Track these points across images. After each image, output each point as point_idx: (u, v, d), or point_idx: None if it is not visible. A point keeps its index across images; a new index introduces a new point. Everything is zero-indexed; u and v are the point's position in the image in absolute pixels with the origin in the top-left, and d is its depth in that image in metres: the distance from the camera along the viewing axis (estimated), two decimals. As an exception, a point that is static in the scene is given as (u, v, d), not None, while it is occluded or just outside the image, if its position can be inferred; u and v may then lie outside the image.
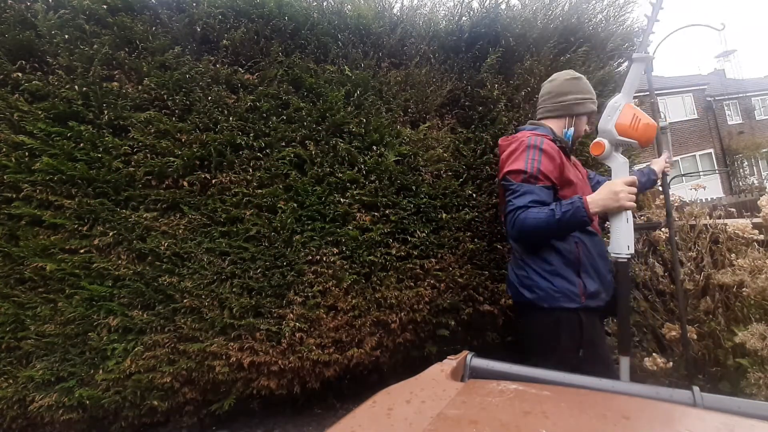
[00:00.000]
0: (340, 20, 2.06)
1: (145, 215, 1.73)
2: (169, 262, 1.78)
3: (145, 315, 1.75)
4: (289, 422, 2.25)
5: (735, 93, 19.18)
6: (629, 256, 1.45)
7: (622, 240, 1.43)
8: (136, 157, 1.72)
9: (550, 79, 1.62)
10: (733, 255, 1.90)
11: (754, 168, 18.29)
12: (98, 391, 1.73)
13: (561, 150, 1.48)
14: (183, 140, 1.78)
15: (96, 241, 1.68)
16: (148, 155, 1.74)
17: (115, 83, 1.70)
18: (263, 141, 1.88)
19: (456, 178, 2.24)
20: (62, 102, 1.62)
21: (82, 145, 1.65)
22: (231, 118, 1.84)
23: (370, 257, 2.02)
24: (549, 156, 1.41)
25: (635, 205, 1.37)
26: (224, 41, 1.85)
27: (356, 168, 2.01)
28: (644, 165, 1.89)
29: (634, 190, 1.36)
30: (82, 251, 1.68)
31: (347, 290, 2.01)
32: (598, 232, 1.57)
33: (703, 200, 7.11)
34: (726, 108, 19.08)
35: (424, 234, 2.13)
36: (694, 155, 17.79)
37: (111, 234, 1.69)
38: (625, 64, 3.02)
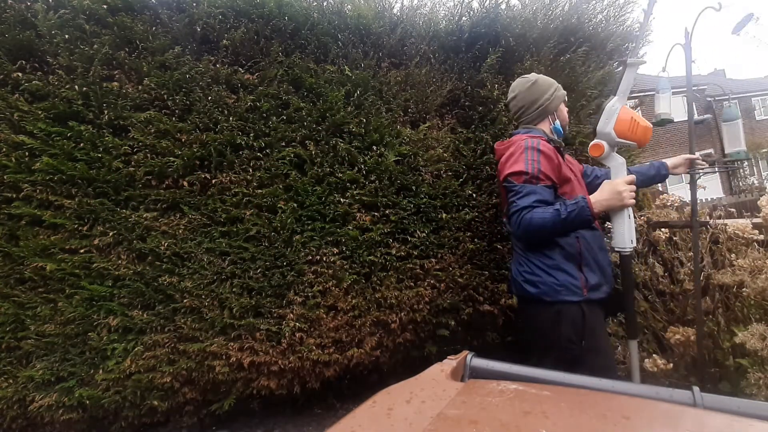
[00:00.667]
0: (340, 20, 2.06)
1: (145, 215, 1.73)
2: (169, 262, 1.78)
3: (145, 315, 1.75)
4: (289, 422, 2.25)
5: (735, 93, 19.15)
6: (632, 249, 1.53)
7: (626, 235, 1.50)
8: (136, 157, 1.72)
9: (512, 95, 1.66)
10: (733, 255, 1.90)
11: (754, 168, 18.29)
12: (98, 391, 1.73)
13: (556, 149, 1.52)
14: (183, 140, 1.78)
15: (96, 241, 1.68)
16: (148, 155, 1.73)
17: (115, 83, 1.70)
18: (263, 141, 1.88)
19: (456, 178, 2.24)
20: (62, 102, 1.62)
21: (82, 145, 1.65)
22: (231, 118, 1.84)
23: (370, 257, 2.02)
24: (547, 156, 1.44)
25: (635, 202, 1.43)
26: (224, 41, 1.85)
27: (356, 168, 2.01)
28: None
29: (634, 188, 1.44)
30: (82, 251, 1.68)
31: (347, 290, 2.01)
32: (597, 227, 1.61)
33: (703, 200, 7.11)
34: (726, 108, 19.02)
35: (424, 234, 2.13)
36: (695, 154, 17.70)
37: (111, 234, 1.69)
38: (625, 64, 3.01)
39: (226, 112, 1.84)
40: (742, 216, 2.41)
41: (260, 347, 1.89)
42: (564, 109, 1.70)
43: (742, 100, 19.22)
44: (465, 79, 2.31)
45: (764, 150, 17.83)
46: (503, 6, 2.33)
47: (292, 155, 1.92)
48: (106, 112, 1.67)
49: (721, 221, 2.08)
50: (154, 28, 1.75)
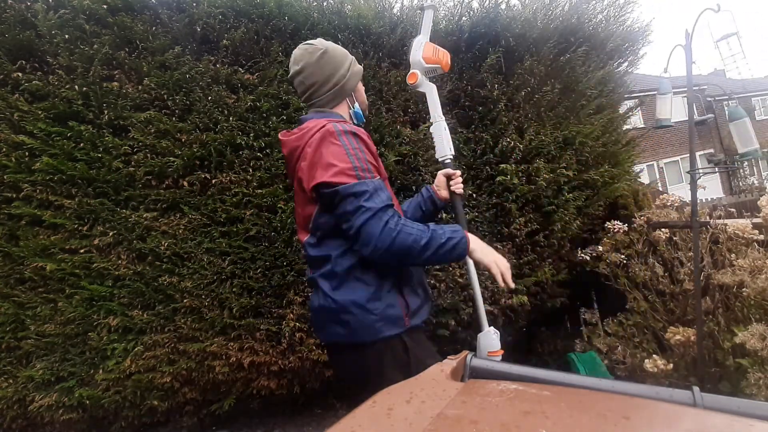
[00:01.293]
0: (340, 20, 2.06)
1: (145, 215, 1.73)
2: (169, 262, 1.78)
3: (145, 315, 1.75)
4: (289, 422, 2.25)
5: (735, 93, 19.18)
6: (452, 157, 1.53)
7: (444, 143, 1.53)
8: (136, 157, 1.72)
9: (296, 68, 1.23)
10: (733, 255, 1.90)
11: (754, 168, 18.28)
12: (98, 391, 1.73)
13: None
14: (183, 140, 1.78)
15: (96, 241, 1.68)
16: (148, 155, 1.73)
17: (115, 83, 1.70)
18: (263, 141, 1.88)
19: (456, 178, 2.24)
20: (62, 102, 1.62)
21: (82, 145, 1.65)
22: (231, 118, 1.84)
23: (370, 257, 2.02)
24: (365, 143, 1.12)
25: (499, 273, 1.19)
26: (224, 41, 1.85)
27: (356, 168, 2.01)
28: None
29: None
30: (82, 251, 1.68)
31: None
32: None
33: (704, 200, 7.11)
34: (726, 108, 19.08)
35: (424, 234, 2.13)
36: (695, 155, 17.75)
37: (111, 234, 1.69)
38: (625, 64, 3.02)
39: (226, 112, 1.84)
40: (742, 216, 2.40)
41: (260, 347, 1.89)
42: (362, 89, 1.35)
43: (742, 100, 19.22)
44: (465, 79, 2.31)
45: (764, 150, 17.83)
46: (503, 6, 2.33)
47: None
48: (106, 112, 1.67)
49: (721, 221, 2.08)
50: (154, 28, 1.75)
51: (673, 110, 2.01)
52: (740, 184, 16.96)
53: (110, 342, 1.72)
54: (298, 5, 1.97)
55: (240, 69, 1.90)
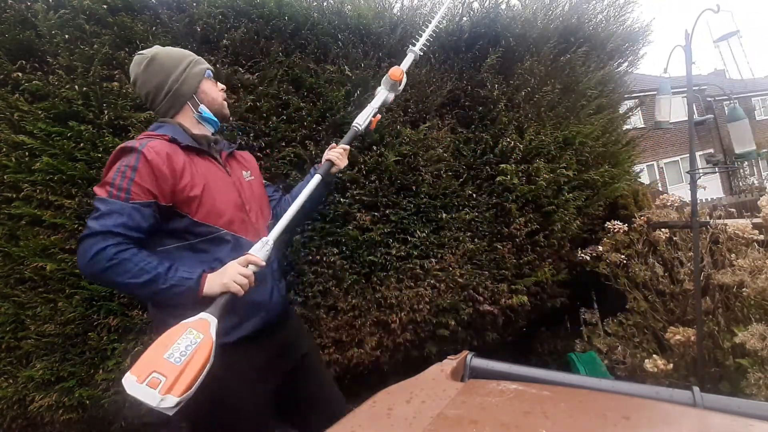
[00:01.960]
0: (340, 20, 2.06)
1: (145, 215, 1.73)
2: (169, 262, 1.77)
3: (145, 315, 1.75)
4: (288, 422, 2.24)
5: (735, 93, 19.18)
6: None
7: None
8: (136, 157, 1.72)
9: (132, 80, 1.26)
10: (733, 255, 1.90)
11: (754, 168, 18.28)
12: (98, 391, 1.72)
13: (193, 150, 1.18)
14: (183, 140, 1.78)
15: (96, 241, 1.68)
16: (148, 155, 1.73)
17: (116, 83, 1.70)
18: (263, 141, 1.88)
19: (456, 178, 2.24)
20: (62, 102, 1.62)
21: (82, 145, 1.64)
22: (231, 118, 1.84)
23: (370, 257, 2.02)
24: (146, 160, 1.06)
25: (242, 290, 1.07)
26: (224, 41, 1.85)
27: (356, 168, 2.01)
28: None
29: (250, 272, 1.09)
30: (82, 251, 1.68)
31: (347, 290, 2.01)
32: (255, 239, 1.18)
33: (704, 200, 7.11)
34: (726, 108, 19.08)
35: (424, 234, 2.13)
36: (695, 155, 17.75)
37: (111, 234, 1.69)
38: (625, 64, 3.02)
39: (226, 112, 1.84)
40: (742, 216, 2.41)
41: (260, 347, 1.88)
42: (210, 89, 1.30)
43: (742, 100, 19.22)
44: (465, 79, 2.31)
45: (764, 150, 17.83)
46: (503, 6, 2.33)
47: (292, 155, 1.92)
48: (106, 112, 1.67)
49: (721, 221, 2.08)
50: (154, 28, 1.75)
51: (673, 110, 2.01)
52: (740, 184, 16.95)
53: (110, 342, 1.72)
54: (298, 5, 1.97)
55: (240, 69, 1.90)
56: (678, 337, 1.89)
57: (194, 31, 1.83)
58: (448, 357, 0.86)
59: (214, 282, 1.07)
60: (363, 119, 1.52)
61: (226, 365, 1.02)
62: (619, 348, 2.21)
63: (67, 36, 1.62)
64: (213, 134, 1.32)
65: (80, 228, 1.67)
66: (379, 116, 1.57)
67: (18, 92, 1.60)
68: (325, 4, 2.09)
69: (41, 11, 1.58)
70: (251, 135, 1.87)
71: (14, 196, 1.61)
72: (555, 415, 0.60)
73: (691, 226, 1.85)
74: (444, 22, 2.33)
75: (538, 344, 2.97)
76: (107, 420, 1.86)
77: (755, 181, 16.93)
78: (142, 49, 1.66)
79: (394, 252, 2.07)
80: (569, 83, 2.52)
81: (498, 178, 2.26)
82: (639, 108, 3.39)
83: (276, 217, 1.32)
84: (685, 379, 1.90)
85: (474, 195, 2.25)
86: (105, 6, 1.68)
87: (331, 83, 1.99)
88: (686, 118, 1.97)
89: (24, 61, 1.61)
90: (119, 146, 1.10)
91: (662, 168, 17.08)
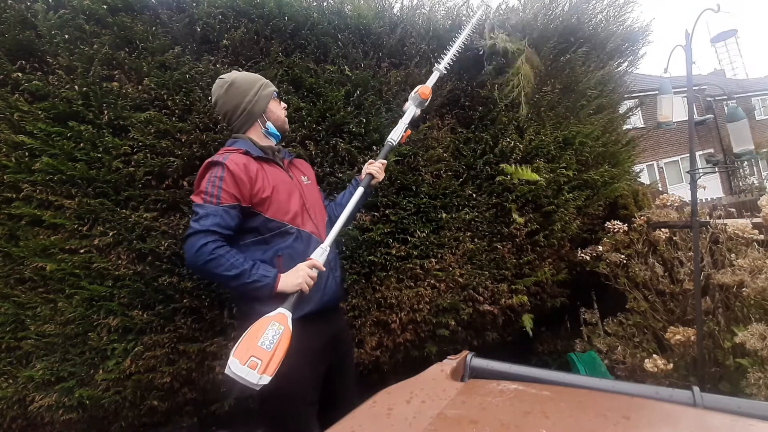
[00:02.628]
0: (340, 20, 2.06)
1: (145, 215, 1.73)
2: (169, 262, 1.77)
3: (145, 315, 1.75)
4: (289, 422, 2.24)
5: (735, 93, 19.18)
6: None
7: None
8: (136, 157, 1.72)
9: (213, 101, 1.49)
10: (733, 255, 1.90)
11: (754, 168, 18.27)
12: (98, 391, 1.72)
13: (263, 159, 1.40)
14: (183, 140, 1.78)
15: (96, 241, 1.68)
16: (148, 155, 1.73)
17: (115, 83, 1.70)
18: (263, 141, 1.88)
19: (456, 178, 2.24)
20: (62, 102, 1.62)
21: (82, 145, 1.64)
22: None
23: (370, 257, 2.02)
24: (229, 171, 1.30)
25: (308, 287, 1.30)
26: (224, 41, 1.85)
27: (356, 168, 2.01)
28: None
29: (314, 273, 1.33)
30: (82, 251, 1.68)
31: (347, 290, 2.01)
32: (314, 233, 1.44)
33: (704, 200, 7.11)
34: (726, 108, 19.06)
35: (424, 234, 2.13)
36: (695, 155, 17.75)
37: (111, 234, 1.69)
38: (625, 64, 3.02)
39: (226, 112, 1.84)
40: (742, 216, 2.41)
41: (260, 347, 1.88)
42: (276, 108, 1.53)
43: (742, 100, 19.23)
44: (465, 79, 2.31)
45: (764, 150, 17.83)
46: (503, 7, 2.33)
47: (292, 155, 1.92)
48: (106, 112, 1.67)
49: (721, 221, 2.08)
50: (154, 28, 1.75)
51: (674, 110, 2.01)
52: (740, 184, 16.95)
53: (110, 342, 1.72)
54: (298, 5, 1.97)
55: (240, 69, 1.90)
56: (678, 337, 1.88)
57: (194, 31, 1.83)
58: (448, 357, 0.85)
59: (287, 281, 1.28)
60: (397, 134, 1.69)
61: (290, 339, 1.21)
62: (619, 348, 2.21)
63: (67, 36, 1.62)
64: (276, 144, 1.55)
65: (80, 228, 1.68)
66: (409, 131, 1.73)
67: (18, 92, 1.60)
68: (325, 4, 2.09)
69: (41, 11, 1.58)
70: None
71: (14, 196, 1.61)
72: (555, 415, 0.60)
73: (691, 226, 1.85)
74: (448, 22, 2.33)
75: (538, 344, 2.97)
76: (107, 420, 1.86)
77: (755, 181, 16.92)
78: (142, 48, 1.68)
79: (394, 252, 2.07)
80: (569, 83, 2.52)
81: (498, 178, 2.26)
82: (639, 108, 3.39)
83: (329, 217, 1.57)
84: (685, 379, 1.90)
85: (474, 195, 2.25)
86: (105, 6, 1.68)
87: (331, 83, 1.99)
88: (686, 118, 1.97)
89: (24, 61, 1.61)
90: (206, 161, 1.36)
91: (662, 168, 17.07)
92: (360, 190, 1.55)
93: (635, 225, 2.37)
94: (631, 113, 3.24)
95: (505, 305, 2.35)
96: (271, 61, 1.92)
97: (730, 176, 17.14)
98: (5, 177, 1.58)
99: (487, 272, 2.29)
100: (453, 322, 2.24)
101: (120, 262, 1.72)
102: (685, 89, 1.84)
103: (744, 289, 1.76)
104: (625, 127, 3.28)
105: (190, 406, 2.00)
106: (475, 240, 2.26)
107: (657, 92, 2.07)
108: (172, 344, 1.81)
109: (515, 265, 2.40)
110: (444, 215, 2.16)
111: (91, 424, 1.83)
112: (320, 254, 1.37)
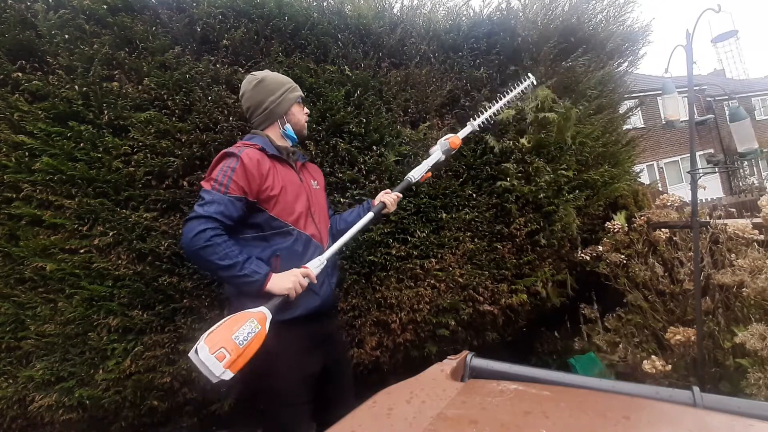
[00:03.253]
0: (340, 20, 2.06)
1: (145, 215, 1.73)
2: (169, 262, 1.77)
3: (145, 315, 1.75)
4: (289, 422, 2.24)
5: (735, 93, 19.18)
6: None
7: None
8: (136, 157, 1.72)
9: (241, 94, 1.53)
10: (733, 255, 1.90)
11: (754, 168, 18.27)
12: (98, 391, 1.72)
13: (277, 158, 1.42)
14: (183, 140, 1.78)
15: (96, 241, 1.68)
16: (148, 155, 1.73)
17: (115, 83, 1.70)
18: (263, 141, 1.88)
19: (456, 178, 2.24)
20: (62, 102, 1.62)
21: (82, 145, 1.64)
22: (231, 118, 1.84)
23: (370, 257, 2.02)
24: (243, 164, 1.31)
25: (295, 294, 1.30)
26: (224, 41, 1.85)
27: (356, 168, 2.01)
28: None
29: (305, 282, 1.32)
30: (82, 251, 1.68)
31: (347, 290, 2.01)
32: (315, 237, 1.47)
33: (704, 200, 7.11)
34: (726, 108, 19.08)
35: (424, 234, 2.13)
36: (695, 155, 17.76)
37: (111, 234, 1.69)
38: (625, 64, 3.02)
39: (226, 112, 1.84)
40: (742, 216, 2.41)
41: (260, 347, 1.88)
42: (298, 112, 1.55)
43: (742, 100, 19.22)
44: (465, 79, 2.31)
45: (765, 150, 17.82)
46: (503, 7, 2.33)
47: (306, 158, 1.92)
48: (106, 112, 1.67)
49: (721, 221, 2.08)
50: (154, 28, 1.75)
51: (680, 109, 2.01)
52: (740, 184, 16.95)
53: (110, 342, 1.72)
54: (298, 5, 1.97)
55: (240, 69, 1.90)
56: (678, 337, 1.88)
57: (194, 31, 1.83)
58: (448, 357, 0.85)
59: (277, 283, 1.28)
60: (418, 174, 1.76)
61: (280, 339, 1.24)
62: (620, 346, 2.21)
63: (67, 36, 1.62)
64: (291, 146, 1.56)
65: (80, 228, 1.68)
66: (429, 173, 1.79)
67: (18, 92, 1.60)
68: (325, 4, 2.09)
69: (41, 11, 1.58)
70: (251, 135, 1.87)
71: (14, 196, 1.61)
72: (555, 415, 0.60)
73: (691, 226, 1.85)
74: (449, 21, 2.33)
75: (538, 344, 2.97)
76: (107, 420, 1.86)
77: (755, 181, 16.91)
78: (142, 48, 1.68)
79: (394, 252, 2.07)
80: (569, 83, 2.52)
81: (498, 183, 2.26)
82: (639, 108, 3.39)
83: (331, 228, 1.61)
84: (685, 379, 1.90)
85: (474, 195, 2.25)
86: (105, 6, 1.68)
87: (331, 83, 1.99)
88: (687, 118, 1.97)
89: (24, 61, 1.61)
90: (222, 151, 1.37)
91: (662, 168, 17.07)
92: (369, 215, 1.56)
93: (635, 225, 2.37)
94: (631, 113, 3.24)
95: (505, 305, 2.35)
96: (271, 61, 1.92)
97: (730, 176, 17.13)
98: (5, 177, 1.58)
99: (487, 272, 2.29)
100: (453, 322, 2.24)
101: (120, 262, 1.72)
102: (686, 89, 1.84)
103: (744, 289, 1.76)
104: (625, 127, 3.28)
105: (190, 406, 2.00)
106: (475, 240, 2.26)
107: (657, 92, 2.08)
108: (172, 344, 1.81)
109: (515, 265, 2.40)
110: (444, 215, 2.16)
111: (91, 424, 1.83)
112: (317, 265, 1.37)
